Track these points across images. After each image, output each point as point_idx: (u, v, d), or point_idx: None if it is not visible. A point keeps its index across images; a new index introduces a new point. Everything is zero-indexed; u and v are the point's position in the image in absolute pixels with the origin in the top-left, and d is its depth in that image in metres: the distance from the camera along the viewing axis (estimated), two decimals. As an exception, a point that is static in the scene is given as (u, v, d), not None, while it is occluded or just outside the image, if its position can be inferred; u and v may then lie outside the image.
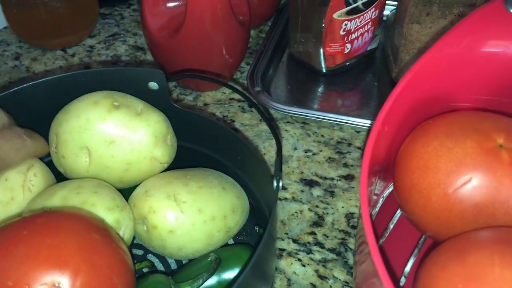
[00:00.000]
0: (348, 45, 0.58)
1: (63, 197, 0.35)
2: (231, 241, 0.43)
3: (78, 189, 0.36)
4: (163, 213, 0.37)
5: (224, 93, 0.60)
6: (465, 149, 0.31)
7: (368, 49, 0.61)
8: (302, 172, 0.52)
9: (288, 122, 0.57)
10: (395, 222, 0.39)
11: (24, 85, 0.40)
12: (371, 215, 0.39)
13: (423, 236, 0.38)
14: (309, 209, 0.49)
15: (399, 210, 0.40)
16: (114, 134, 0.38)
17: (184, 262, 0.42)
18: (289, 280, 0.43)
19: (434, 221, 0.33)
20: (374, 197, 0.40)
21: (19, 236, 0.27)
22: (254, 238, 0.44)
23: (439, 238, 0.33)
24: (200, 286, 0.36)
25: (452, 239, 0.30)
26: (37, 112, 0.41)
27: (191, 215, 0.37)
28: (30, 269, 0.26)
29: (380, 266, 0.23)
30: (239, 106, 0.59)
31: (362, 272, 0.32)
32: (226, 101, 0.59)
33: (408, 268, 0.37)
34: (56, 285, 0.26)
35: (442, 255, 0.28)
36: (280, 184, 0.34)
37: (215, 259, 0.37)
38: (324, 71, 0.61)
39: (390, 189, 0.41)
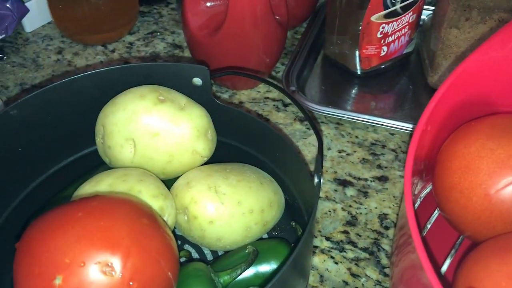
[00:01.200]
0: (385, 48, 0.59)
1: (110, 184, 0.36)
2: (265, 236, 0.44)
3: (124, 177, 0.37)
4: (204, 203, 0.38)
5: (259, 92, 0.61)
6: (508, 151, 0.31)
7: (404, 52, 0.62)
8: (335, 172, 0.53)
9: (322, 122, 0.58)
10: (432, 222, 0.40)
11: (74, 77, 0.41)
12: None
13: (461, 237, 0.38)
14: (342, 208, 0.49)
15: (436, 211, 0.40)
16: (158, 127, 0.39)
17: (219, 254, 0.43)
18: (321, 276, 0.44)
19: (474, 221, 0.33)
20: (413, 197, 0.40)
21: (75, 217, 0.28)
22: (289, 234, 0.44)
23: (478, 238, 0.34)
24: (238, 276, 0.37)
25: (493, 239, 0.30)
26: (85, 103, 0.42)
27: (230, 207, 0.38)
28: (86, 248, 0.27)
29: (423, 255, 0.24)
30: (274, 105, 0.60)
31: (400, 271, 0.33)
32: (261, 100, 0.60)
33: (445, 268, 0.37)
34: (109, 264, 0.27)
35: (484, 254, 0.29)
36: (322, 180, 0.35)
37: (253, 251, 0.38)
38: (359, 73, 0.61)
39: (427, 190, 0.41)
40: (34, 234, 0.28)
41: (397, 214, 0.48)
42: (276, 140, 0.41)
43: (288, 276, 0.32)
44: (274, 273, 0.37)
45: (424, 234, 0.39)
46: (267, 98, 0.61)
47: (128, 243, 0.28)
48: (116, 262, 0.27)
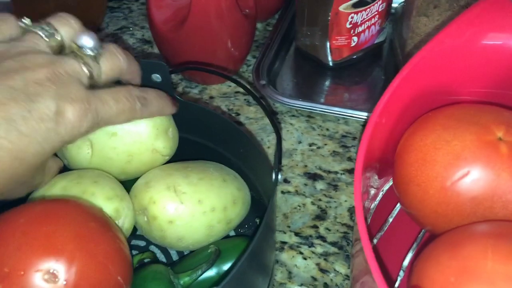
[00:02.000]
0: (355, 38, 0.58)
1: (63, 187, 0.35)
2: (232, 233, 0.44)
3: (78, 179, 0.36)
4: (162, 204, 0.37)
5: (230, 86, 0.61)
6: (463, 142, 0.31)
7: (376, 42, 0.61)
8: (306, 166, 0.52)
9: (293, 115, 0.57)
10: (394, 215, 0.39)
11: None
12: (370, 208, 0.39)
13: (422, 230, 0.38)
14: (312, 202, 0.49)
15: (398, 204, 0.40)
16: (115, 126, 0.38)
17: (185, 253, 0.43)
18: (290, 273, 0.44)
19: (431, 215, 0.32)
20: (374, 191, 0.40)
21: (16, 223, 0.27)
22: (256, 231, 0.44)
23: (437, 231, 0.33)
24: (199, 277, 0.36)
25: (447, 233, 0.30)
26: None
27: (190, 206, 0.37)
28: (26, 256, 0.26)
29: (373, 265, 0.23)
30: (245, 99, 0.59)
31: (358, 266, 0.32)
32: (231, 95, 0.60)
33: (406, 262, 0.37)
34: (51, 271, 0.26)
35: (436, 249, 0.28)
36: (280, 176, 0.34)
37: (214, 251, 0.37)
38: (330, 64, 0.60)
39: (390, 183, 0.40)
40: (-25, 243, 0.27)
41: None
42: (239, 135, 0.41)
43: (245, 273, 0.31)
44: (229, 270, 0.37)
45: (386, 228, 0.39)
46: (238, 92, 0.60)
47: (72, 248, 0.27)
48: (60, 268, 0.26)
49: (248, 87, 0.37)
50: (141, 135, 0.39)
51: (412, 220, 0.36)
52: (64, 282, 0.26)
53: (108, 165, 0.39)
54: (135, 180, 0.41)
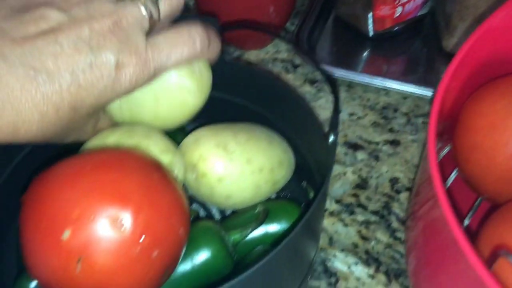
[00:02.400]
0: (399, 9, 0.57)
1: (117, 140, 0.35)
2: (273, 196, 0.43)
3: (130, 133, 0.35)
4: (212, 161, 0.36)
5: (268, 52, 0.60)
6: (536, 109, 0.30)
7: (419, 14, 0.60)
8: (346, 135, 0.51)
9: (332, 84, 0.56)
10: (449, 184, 0.38)
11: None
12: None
13: (479, 199, 0.37)
14: (352, 171, 0.48)
15: (453, 173, 0.39)
16: None
17: (227, 214, 0.42)
18: (331, 238, 0.43)
19: (497, 182, 0.32)
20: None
21: (84, 170, 0.27)
22: (298, 195, 0.43)
23: (499, 199, 0.33)
24: (248, 234, 0.36)
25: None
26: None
27: (239, 165, 0.37)
28: (95, 201, 0.26)
29: (447, 210, 0.23)
30: (283, 66, 0.58)
31: (416, 235, 0.32)
32: (269, 61, 0.59)
33: (462, 230, 0.36)
34: (119, 220, 0.26)
35: (510, 212, 0.28)
36: (337, 139, 0.34)
37: (263, 210, 0.37)
38: (371, 34, 0.59)
39: (444, 151, 0.40)
40: (41, 187, 0.27)
41: (409, 178, 0.47)
42: (288, 97, 0.40)
43: (301, 237, 0.31)
44: (285, 233, 0.36)
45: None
46: (276, 59, 0.59)
47: (139, 198, 0.27)
48: (127, 216, 0.26)
49: (306, 54, 0.36)
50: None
51: (467, 190, 0.36)
52: (131, 230, 0.26)
53: (139, 111, 0.37)
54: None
